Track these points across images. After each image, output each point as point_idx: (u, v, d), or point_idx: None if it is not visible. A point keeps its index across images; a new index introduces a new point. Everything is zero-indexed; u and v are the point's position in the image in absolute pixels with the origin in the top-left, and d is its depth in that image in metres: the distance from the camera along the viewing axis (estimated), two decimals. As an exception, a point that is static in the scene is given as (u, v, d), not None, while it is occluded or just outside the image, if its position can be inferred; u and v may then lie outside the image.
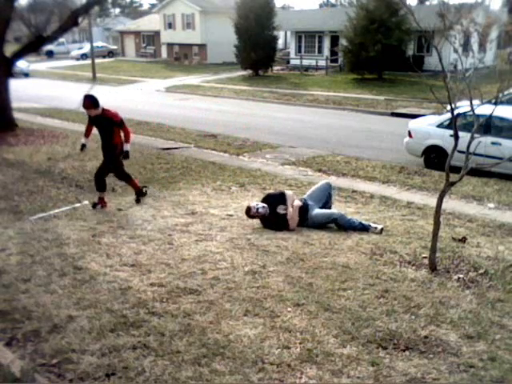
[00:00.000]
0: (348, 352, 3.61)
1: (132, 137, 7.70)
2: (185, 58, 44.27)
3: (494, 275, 5.07)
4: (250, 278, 4.83)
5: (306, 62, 33.87)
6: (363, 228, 6.46)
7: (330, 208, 6.90)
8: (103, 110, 7.34)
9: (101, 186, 7.49)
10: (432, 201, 7.29)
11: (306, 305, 4.29)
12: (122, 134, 7.44)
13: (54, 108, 20.20)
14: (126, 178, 7.79)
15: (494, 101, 5.60)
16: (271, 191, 7.70)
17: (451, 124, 6.87)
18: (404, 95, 22.90)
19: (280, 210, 6.54)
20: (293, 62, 36.59)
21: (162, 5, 46.58)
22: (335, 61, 33.73)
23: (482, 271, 5.16)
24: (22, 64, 30.83)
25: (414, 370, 3.43)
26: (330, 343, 3.72)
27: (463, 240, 6.13)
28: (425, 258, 5.41)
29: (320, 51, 35.39)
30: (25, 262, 5.20)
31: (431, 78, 8.53)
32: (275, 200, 6.62)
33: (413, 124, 11.95)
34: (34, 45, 15.33)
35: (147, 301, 4.32)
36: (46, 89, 28.53)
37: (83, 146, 7.74)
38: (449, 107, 5.06)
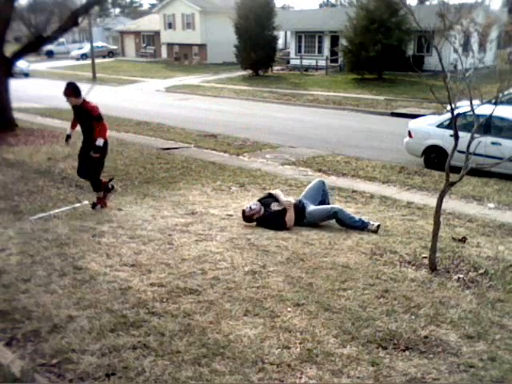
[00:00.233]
0: (348, 352, 3.61)
1: (107, 134, 7.33)
2: (185, 58, 44.28)
3: (493, 275, 5.07)
4: (250, 278, 4.83)
5: (306, 62, 33.88)
6: (363, 224, 6.47)
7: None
8: (84, 101, 7.18)
9: (97, 186, 7.42)
10: (432, 201, 7.29)
11: (306, 305, 4.29)
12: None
13: (53, 108, 20.19)
14: (99, 185, 7.36)
15: (493, 101, 5.61)
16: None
17: (451, 124, 6.87)
18: (404, 95, 22.91)
19: (274, 206, 6.59)
20: (293, 61, 36.60)
21: (162, 5, 46.60)
22: (335, 61, 33.75)
23: (482, 271, 5.16)
24: (21, 64, 30.85)
25: (414, 370, 3.43)
26: (330, 343, 3.72)
27: (463, 240, 6.13)
28: (425, 258, 5.41)
29: (320, 51, 35.41)
30: (25, 262, 5.20)
31: (431, 78, 8.54)
32: (267, 201, 6.69)
33: (413, 124, 11.96)
34: (34, 45, 15.33)
35: (147, 301, 4.32)
36: (46, 89, 28.51)
37: (68, 137, 7.61)
38: (449, 107, 5.06)
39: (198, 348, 3.63)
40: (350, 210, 7.52)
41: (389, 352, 3.64)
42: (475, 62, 5.74)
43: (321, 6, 73.62)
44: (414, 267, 5.25)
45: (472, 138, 5.01)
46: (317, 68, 33.58)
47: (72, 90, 7.07)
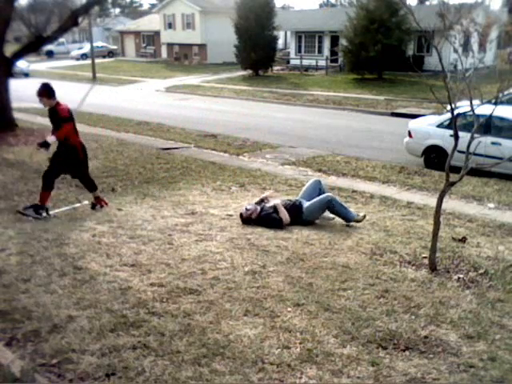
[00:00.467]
0: (348, 352, 3.61)
1: (79, 139, 7.07)
2: (185, 58, 44.28)
3: (494, 275, 5.07)
4: (250, 277, 4.83)
5: (305, 62, 33.88)
6: (351, 216, 6.70)
7: None
8: (57, 103, 6.86)
9: (90, 186, 7.34)
10: (432, 201, 7.29)
11: (306, 305, 4.29)
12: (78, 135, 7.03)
13: (54, 108, 20.18)
14: (48, 185, 7.02)
15: (493, 101, 5.61)
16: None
17: (451, 124, 6.87)
18: (404, 95, 22.90)
19: (267, 206, 6.73)
20: (293, 61, 36.60)
21: (162, 5, 46.60)
22: (335, 61, 33.75)
23: (482, 271, 5.16)
24: (21, 64, 30.81)
25: (414, 370, 3.43)
26: (330, 343, 3.72)
27: (463, 240, 6.13)
28: (425, 258, 5.42)
29: (320, 51, 35.41)
30: (25, 261, 5.19)
31: (431, 78, 8.53)
32: (258, 204, 6.83)
33: (413, 124, 11.96)
34: (34, 45, 15.33)
35: (147, 301, 4.32)
36: (46, 89, 28.50)
37: (45, 144, 6.88)
38: (449, 107, 5.06)
39: (197, 348, 3.63)
40: (350, 209, 7.53)
41: (389, 352, 3.64)
42: (475, 62, 5.74)
43: (321, 5, 73.67)
44: (413, 267, 5.25)
45: (472, 138, 5.01)
46: (317, 68, 33.57)
47: (45, 91, 6.79)
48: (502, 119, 10.11)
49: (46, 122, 17.20)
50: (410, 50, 29.46)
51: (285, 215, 6.53)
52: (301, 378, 3.34)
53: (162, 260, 5.24)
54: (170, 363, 3.46)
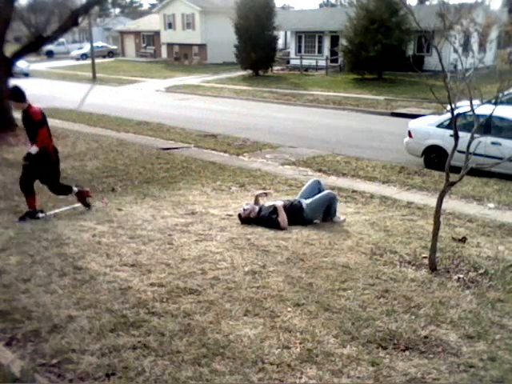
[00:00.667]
0: (348, 352, 3.61)
1: (52, 142, 6.88)
2: (185, 58, 44.28)
3: (493, 275, 5.07)
4: (250, 278, 4.83)
5: (306, 62, 33.88)
6: (334, 213, 6.85)
7: None
8: (29, 106, 6.60)
9: (62, 191, 7.15)
10: (432, 201, 7.29)
11: (306, 305, 4.29)
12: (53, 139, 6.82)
13: (53, 108, 20.18)
14: (28, 191, 6.85)
15: (493, 101, 5.61)
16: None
17: (451, 124, 6.87)
18: (404, 95, 22.90)
19: (265, 205, 6.74)
20: (293, 61, 36.60)
21: (162, 5, 46.59)
22: (335, 61, 33.74)
23: (482, 271, 5.16)
24: (22, 64, 30.80)
25: (414, 370, 3.43)
26: (330, 343, 3.72)
27: (463, 240, 6.13)
28: (425, 258, 5.42)
29: (320, 51, 35.40)
30: (25, 261, 5.20)
31: (431, 78, 8.53)
32: (256, 204, 6.86)
33: (413, 124, 11.96)
34: (34, 45, 15.33)
35: (147, 301, 4.32)
36: (45, 89, 28.51)
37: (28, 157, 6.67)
38: (449, 107, 5.06)
39: (197, 348, 3.63)
40: (350, 210, 7.54)
41: (389, 352, 3.64)
42: (475, 62, 5.74)
43: (321, 5, 73.68)
44: (414, 267, 5.25)
45: (472, 138, 5.01)
46: (317, 68, 33.57)
47: (14, 95, 6.59)
48: (502, 119, 10.11)
49: (46, 122, 17.15)
50: (410, 49, 29.46)
51: (283, 219, 6.48)
52: (301, 378, 3.34)
53: (162, 260, 5.24)
54: (170, 363, 3.46)
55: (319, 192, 6.99)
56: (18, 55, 15.16)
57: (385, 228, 6.57)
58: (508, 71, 6.45)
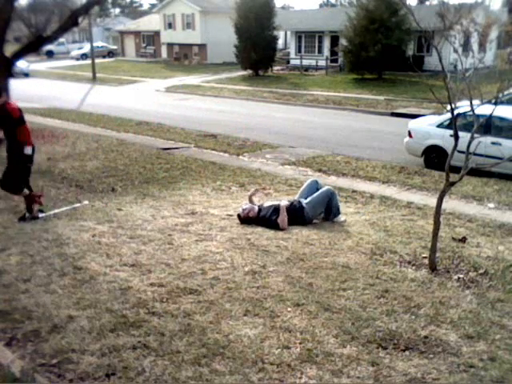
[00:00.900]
0: (348, 352, 3.61)
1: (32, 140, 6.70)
2: (185, 57, 44.27)
3: (493, 275, 5.07)
4: (250, 278, 4.83)
5: (306, 62, 33.86)
6: (338, 212, 6.83)
7: None
8: (6, 102, 6.48)
9: (14, 189, 6.80)
10: (432, 201, 7.29)
11: (306, 305, 4.29)
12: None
13: (54, 108, 20.20)
14: (19, 191, 6.74)
15: (493, 101, 5.61)
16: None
17: (451, 124, 6.87)
18: (404, 95, 22.89)
19: (265, 205, 6.74)
20: (293, 61, 36.58)
21: (162, 5, 46.58)
22: (335, 61, 33.73)
23: (482, 271, 5.16)
24: (21, 64, 30.83)
25: (414, 370, 3.43)
26: (330, 343, 3.72)
27: (463, 240, 6.13)
28: (425, 258, 5.42)
29: (320, 51, 35.39)
30: (25, 262, 5.20)
31: (431, 78, 8.54)
32: (253, 206, 6.82)
33: (413, 124, 11.96)
34: (34, 45, 15.31)
35: (147, 301, 4.32)
36: (46, 89, 28.53)
37: None
38: (449, 107, 5.06)
39: (197, 348, 3.63)
40: (350, 210, 7.54)
41: (389, 352, 3.64)
42: (475, 62, 5.74)
43: (321, 6, 73.77)
44: (414, 267, 5.25)
45: (472, 138, 5.01)
46: (317, 68, 33.55)
47: None
48: (501, 119, 10.10)
49: (46, 121, 17.29)
50: (410, 50, 29.44)
51: (283, 219, 6.45)
52: (301, 378, 3.34)
53: (162, 260, 5.25)
54: (170, 363, 3.46)
55: (317, 190, 7.00)
56: (18, 55, 15.15)
57: (385, 228, 6.57)
58: (508, 71, 6.45)
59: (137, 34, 52.62)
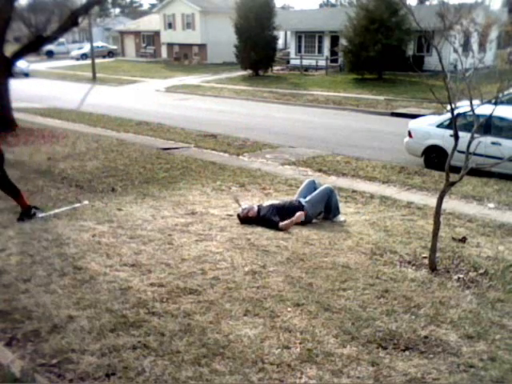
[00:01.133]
0: (348, 352, 3.61)
1: None
2: (185, 58, 44.27)
3: (493, 275, 5.07)
4: (250, 278, 4.83)
5: (306, 62, 33.87)
6: (337, 212, 6.87)
7: None
8: None
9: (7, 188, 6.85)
10: (432, 201, 7.29)
11: (306, 305, 4.29)
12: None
13: (54, 108, 20.20)
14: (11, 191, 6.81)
15: (493, 101, 5.61)
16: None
17: (451, 124, 6.87)
18: (404, 95, 22.90)
19: (264, 205, 6.73)
20: (293, 61, 36.58)
21: (162, 5, 46.59)
22: (335, 61, 33.74)
23: (482, 271, 5.16)
24: (22, 64, 30.83)
25: (413, 370, 3.43)
26: (330, 343, 3.72)
27: (463, 240, 6.13)
28: (425, 258, 5.42)
29: (320, 51, 35.39)
30: (25, 262, 5.20)
31: (431, 78, 8.52)
32: (253, 206, 6.82)
33: (413, 124, 11.96)
34: (34, 45, 15.32)
35: (147, 301, 4.32)
36: (46, 89, 28.53)
37: None
38: (449, 107, 5.06)
39: (197, 348, 3.63)
40: (350, 210, 7.54)
41: (389, 352, 3.64)
42: (475, 62, 5.74)
43: (321, 5, 73.79)
44: (414, 267, 5.25)
45: (472, 138, 5.01)
46: (317, 68, 33.55)
47: None
48: (501, 119, 10.11)
49: (46, 121, 17.31)
50: (410, 50, 29.45)
51: (287, 225, 6.40)
52: (301, 378, 3.34)
53: (161, 260, 5.25)
54: (170, 363, 3.46)
55: (315, 190, 7.01)
56: (18, 55, 15.16)
57: (385, 228, 6.57)
58: (508, 71, 6.45)
59: (137, 34, 52.62)
